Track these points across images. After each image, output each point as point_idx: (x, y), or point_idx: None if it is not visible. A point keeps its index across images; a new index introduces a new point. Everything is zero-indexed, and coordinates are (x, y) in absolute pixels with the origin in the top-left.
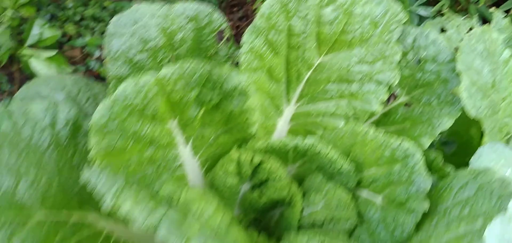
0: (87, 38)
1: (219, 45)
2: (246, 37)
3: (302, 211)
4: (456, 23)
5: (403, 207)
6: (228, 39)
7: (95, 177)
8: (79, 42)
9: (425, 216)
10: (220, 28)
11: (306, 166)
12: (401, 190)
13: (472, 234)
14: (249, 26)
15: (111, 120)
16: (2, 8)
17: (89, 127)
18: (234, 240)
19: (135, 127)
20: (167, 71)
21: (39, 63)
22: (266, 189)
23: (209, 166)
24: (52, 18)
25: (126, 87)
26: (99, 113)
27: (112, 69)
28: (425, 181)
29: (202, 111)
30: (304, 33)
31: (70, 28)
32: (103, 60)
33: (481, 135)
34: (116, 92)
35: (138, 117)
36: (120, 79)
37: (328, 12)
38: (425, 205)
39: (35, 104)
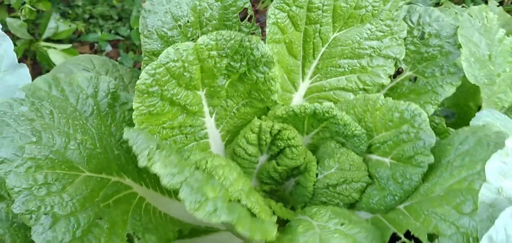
0: (99, 34)
1: (242, 23)
2: (271, 11)
3: (316, 176)
4: (454, 11)
5: (410, 162)
6: (250, 18)
7: (133, 138)
8: (91, 37)
9: (430, 169)
10: (243, 7)
11: (320, 136)
12: (409, 147)
13: (472, 176)
14: (274, 1)
15: (154, 82)
16: (21, 1)
17: (135, 88)
18: (255, 201)
19: (173, 91)
20: (204, 39)
21: (57, 54)
22: (283, 158)
23: (230, 139)
24: (62, 16)
25: (169, 52)
26: (145, 75)
27: (147, 43)
28: (430, 136)
29: (228, 81)
30: (322, 7)
31: (80, 26)
32: (111, 56)
33: (479, 108)
34: (160, 56)
35: (176, 82)
36: (154, 53)
37: None
38: (431, 158)
39: (79, 75)
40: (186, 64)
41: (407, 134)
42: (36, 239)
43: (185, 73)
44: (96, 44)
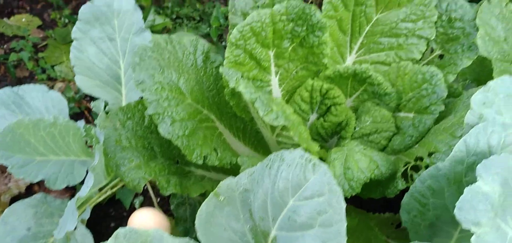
0: (185, 30)
1: (306, 4)
2: None
3: (354, 128)
4: None
5: (426, 111)
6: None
7: (226, 71)
8: (178, 31)
9: (442, 116)
10: None
11: (360, 99)
12: (426, 100)
13: None
14: None
15: (241, 37)
16: None
17: (228, 40)
18: (304, 130)
19: (252, 46)
20: (277, 6)
21: None
22: (329, 115)
23: (288, 99)
24: (156, 13)
25: (253, 15)
26: (235, 32)
27: (233, 19)
28: (443, 91)
29: (291, 46)
30: None
31: (169, 23)
32: None
33: None
34: (246, 18)
35: (255, 39)
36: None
37: None
38: (442, 107)
39: (185, 37)
40: (264, 25)
41: (426, 90)
42: (161, 131)
43: (262, 32)
44: None
